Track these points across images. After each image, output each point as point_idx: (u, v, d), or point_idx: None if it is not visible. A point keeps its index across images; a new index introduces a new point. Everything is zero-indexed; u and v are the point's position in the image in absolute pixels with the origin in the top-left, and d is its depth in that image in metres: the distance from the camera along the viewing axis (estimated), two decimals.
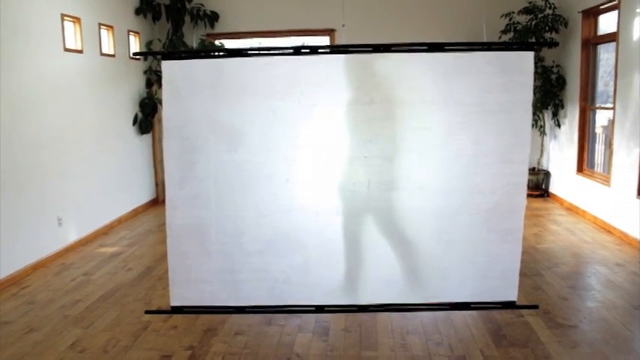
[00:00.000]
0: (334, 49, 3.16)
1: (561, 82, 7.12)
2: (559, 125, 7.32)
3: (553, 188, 7.66)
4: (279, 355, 3.40)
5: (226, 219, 3.26)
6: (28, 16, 4.95)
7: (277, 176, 3.18)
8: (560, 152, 7.37)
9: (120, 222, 6.70)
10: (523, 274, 4.66)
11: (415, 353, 3.38)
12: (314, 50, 3.13)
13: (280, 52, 3.15)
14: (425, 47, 3.08)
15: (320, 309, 3.34)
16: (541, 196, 7.74)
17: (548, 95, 7.13)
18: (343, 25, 6.42)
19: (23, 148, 4.89)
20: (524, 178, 3.19)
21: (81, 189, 5.84)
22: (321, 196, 3.19)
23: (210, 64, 3.20)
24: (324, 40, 7.83)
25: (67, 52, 5.53)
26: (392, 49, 3.10)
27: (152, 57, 7.37)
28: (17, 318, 4.01)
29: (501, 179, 3.14)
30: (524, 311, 3.85)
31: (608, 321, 3.76)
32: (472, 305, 3.30)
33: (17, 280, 4.76)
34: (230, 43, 7.89)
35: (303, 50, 3.13)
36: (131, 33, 7.08)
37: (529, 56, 3.05)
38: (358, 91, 3.10)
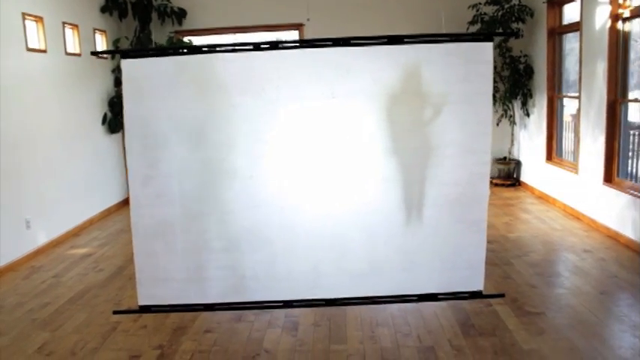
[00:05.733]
0: (294, 43, 3.14)
1: (529, 72, 7.21)
2: (528, 114, 7.41)
3: (524, 177, 7.76)
4: (248, 351, 3.39)
5: (191, 217, 3.24)
6: None
7: (240, 172, 3.17)
8: (530, 141, 7.46)
9: (91, 222, 6.62)
10: (493, 264, 4.72)
11: (384, 345, 3.40)
12: (273, 45, 3.11)
13: (239, 48, 3.14)
14: (384, 40, 3.09)
15: (288, 304, 3.35)
16: (512, 185, 7.83)
17: (516, 85, 7.22)
18: (308, 20, 6.41)
19: None
20: (486, 168, 3.20)
21: (49, 190, 5.75)
22: (285, 191, 3.18)
23: (169, 61, 3.17)
24: (293, 35, 7.81)
25: (29, 52, 5.43)
26: (351, 42, 3.10)
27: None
28: None
29: (465, 170, 3.17)
30: (493, 300, 3.89)
31: (575, 307, 3.82)
32: (439, 296, 3.33)
33: None
34: (198, 40, 7.82)
35: (262, 46, 3.11)
36: (97, 31, 6.98)
37: (488, 47, 3.08)
38: (319, 86, 3.10)
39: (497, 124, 7.70)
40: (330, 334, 3.58)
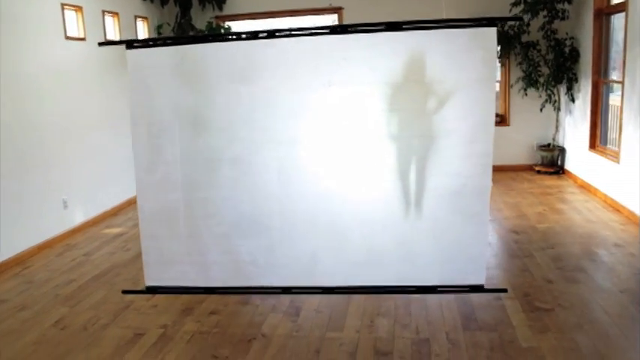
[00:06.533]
0: (292, 32, 3.14)
1: (575, 55, 6.84)
2: (573, 100, 7.06)
3: (568, 165, 7.42)
4: (246, 334, 3.47)
5: (193, 202, 3.33)
6: (27, 6, 5.10)
7: (240, 160, 3.22)
8: (575, 128, 7.12)
9: (129, 204, 6.88)
10: (514, 255, 4.59)
11: (379, 335, 3.38)
12: (271, 34, 3.12)
13: (236, 37, 3.18)
14: (382, 27, 3.04)
15: (286, 290, 3.39)
16: (556, 173, 7.51)
17: (561, 69, 6.87)
18: (330, 4, 6.34)
19: (25, 134, 5.08)
20: (489, 159, 3.10)
21: (87, 173, 6.02)
22: (283, 179, 3.21)
23: (172, 51, 3.25)
24: (332, 19, 7.75)
25: (68, 41, 5.67)
26: (349, 30, 3.07)
27: None
28: (13, 296, 4.22)
29: (466, 160, 3.09)
30: (503, 294, 3.77)
31: (589, 305, 3.66)
32: (438, 289, 3.28)
33: (21, 260, 4.99)
34: (238, 25, 7.90)
35: (260, 35, 3.13)
36: (139, 18, 7.18)
37: (491, 32, 2.97)
38: (316, 74, 3.09)
39: (541, 110, 7.39)
40: (330, 321, 3.59)
